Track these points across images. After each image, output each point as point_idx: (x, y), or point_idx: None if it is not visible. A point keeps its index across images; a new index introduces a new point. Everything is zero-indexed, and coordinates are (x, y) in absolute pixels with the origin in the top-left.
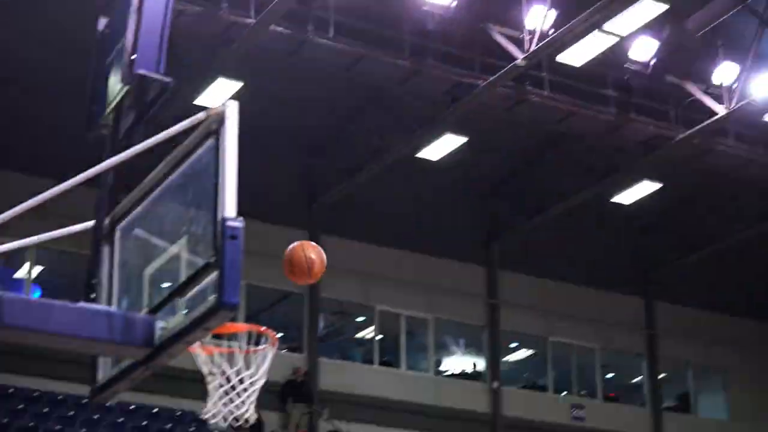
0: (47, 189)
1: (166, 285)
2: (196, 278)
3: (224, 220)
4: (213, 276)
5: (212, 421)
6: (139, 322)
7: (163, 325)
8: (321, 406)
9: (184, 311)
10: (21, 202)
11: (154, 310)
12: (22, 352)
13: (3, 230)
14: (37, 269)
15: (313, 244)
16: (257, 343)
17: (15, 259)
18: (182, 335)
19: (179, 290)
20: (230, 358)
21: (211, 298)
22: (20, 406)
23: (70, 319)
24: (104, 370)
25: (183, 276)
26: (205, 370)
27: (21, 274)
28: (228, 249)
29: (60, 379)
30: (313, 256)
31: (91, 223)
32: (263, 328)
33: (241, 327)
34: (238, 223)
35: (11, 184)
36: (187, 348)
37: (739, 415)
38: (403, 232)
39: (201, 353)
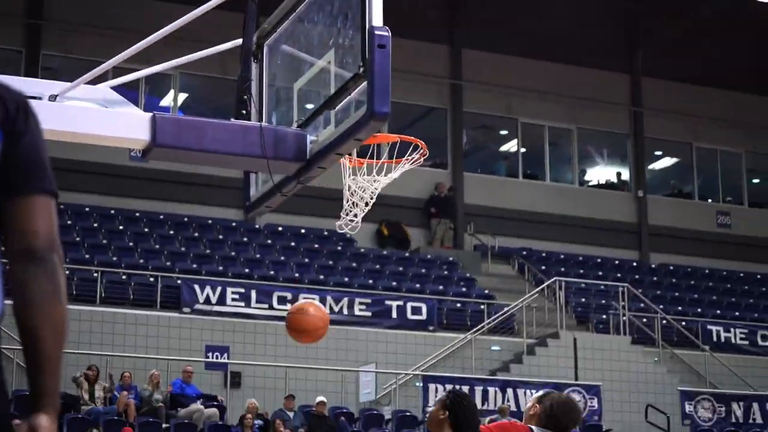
0: (185, 14)
1: (315, 99)
2: (345, 90)
3: (372, 29)
4: (362, 86)
5: (347, 231)
6: (291, 136)
7: (314, 139)
8: (465, 220)
9: (335, 123)
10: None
11: (304, 124)
12: (170, 180)
13: (146, 58)
14: (182, 96)
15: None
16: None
17: (160, 87)
18: (333, 147)
19: (329, 103)
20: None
21: (361, 109)
22: (170, 232)
23: (222, 136)
24: (256, 187)
25: (332, 89)
26: (350, 183)
27: (166, 101)
28: (377, 58)
29: (207, 204)
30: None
31: (236, 43)
32: (413, 138)
33: (391, 137)
34: (386, 32)
35: (152, 11)
36: (337, 160)
37: None
38: (544, 42)
39: (348, 166)
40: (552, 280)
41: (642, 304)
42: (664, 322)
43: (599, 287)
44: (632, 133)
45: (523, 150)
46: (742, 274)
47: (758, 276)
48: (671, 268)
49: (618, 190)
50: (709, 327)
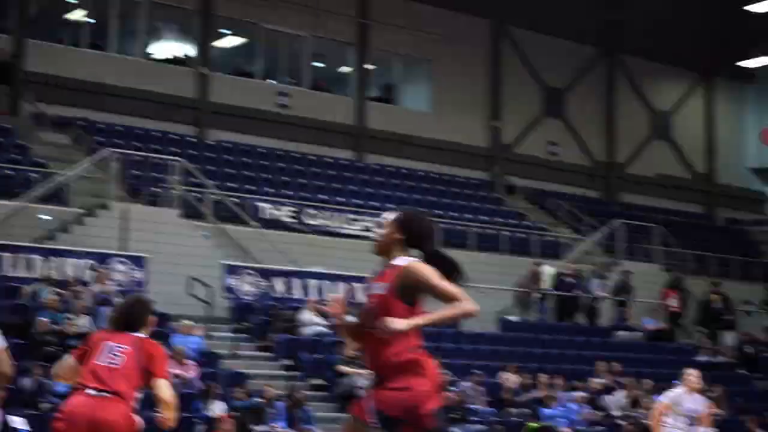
0: None
1: None
2: None
3: None
4: None
5: None
6: None
7: None
8: (25, 88)
9: None
10: None
11: None
12: None
13: None
14: None
15: None
16: None
17: None
18: None
19: None
20: None
21: None
22: None
23: None
24: None
25: None
26: None
27: None
28: None
29: None
30: None
31: None
32: None
33: None
34: None
35: None
36: None
37: (440, 106)
38: None
39: None
40: (106, 150)
41: (196, 179)
42: (216, 198)
43: (154, 160)
44: (200, 10)
45: (91, 20)
46: (297, 155)
47: (312, 157)
48: (229, 145)
49: (183, 65)
50: (258, 204)
